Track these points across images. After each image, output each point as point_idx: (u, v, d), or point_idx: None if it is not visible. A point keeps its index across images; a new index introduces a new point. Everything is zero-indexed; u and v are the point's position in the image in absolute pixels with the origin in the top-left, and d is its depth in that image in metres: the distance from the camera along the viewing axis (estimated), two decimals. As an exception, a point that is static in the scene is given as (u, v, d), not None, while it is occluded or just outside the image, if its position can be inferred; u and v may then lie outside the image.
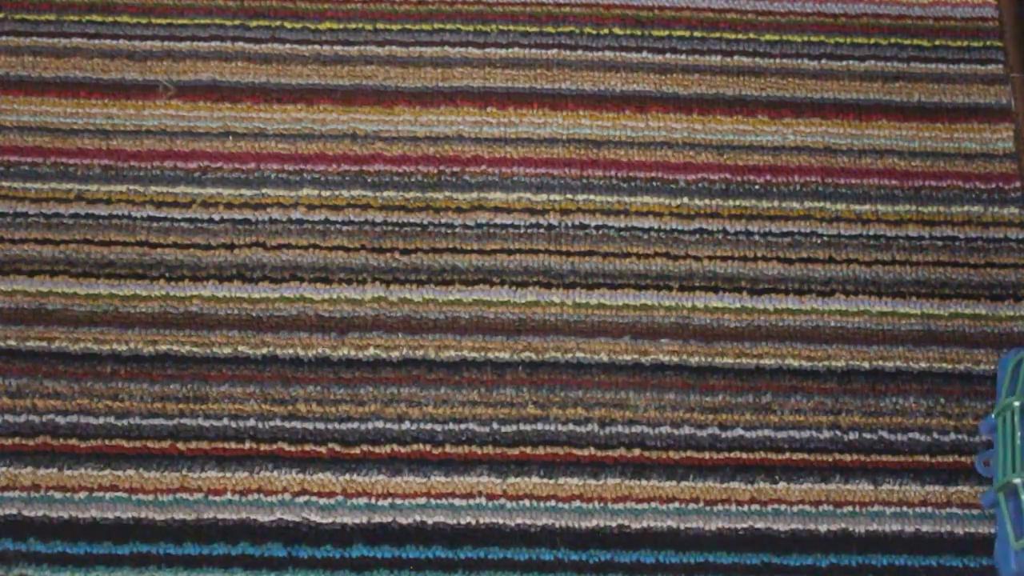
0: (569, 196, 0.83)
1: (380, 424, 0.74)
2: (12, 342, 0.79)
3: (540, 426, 0.75)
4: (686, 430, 0.75)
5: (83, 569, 0.73)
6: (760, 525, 0.72)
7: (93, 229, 0.82)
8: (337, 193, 0.80)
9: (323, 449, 0.74)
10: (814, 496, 0.73)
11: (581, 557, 0.70)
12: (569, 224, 0.83)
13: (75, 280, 0.80)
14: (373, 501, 0.73)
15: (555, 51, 0.86)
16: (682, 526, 0.71)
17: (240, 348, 0.77)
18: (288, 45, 0.87)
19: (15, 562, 0.73)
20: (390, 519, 0.72)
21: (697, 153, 0.85)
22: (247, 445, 0.75)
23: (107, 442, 0.75)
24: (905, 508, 0.72)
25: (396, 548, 0.72)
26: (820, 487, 0.73)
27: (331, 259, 0.81)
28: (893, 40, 0.89)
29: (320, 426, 0.75)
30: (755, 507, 0.72)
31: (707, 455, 0.74)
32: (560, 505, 0.72)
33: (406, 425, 0.74)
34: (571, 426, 0.75)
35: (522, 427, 0.75)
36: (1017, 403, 0.67)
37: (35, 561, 0.73)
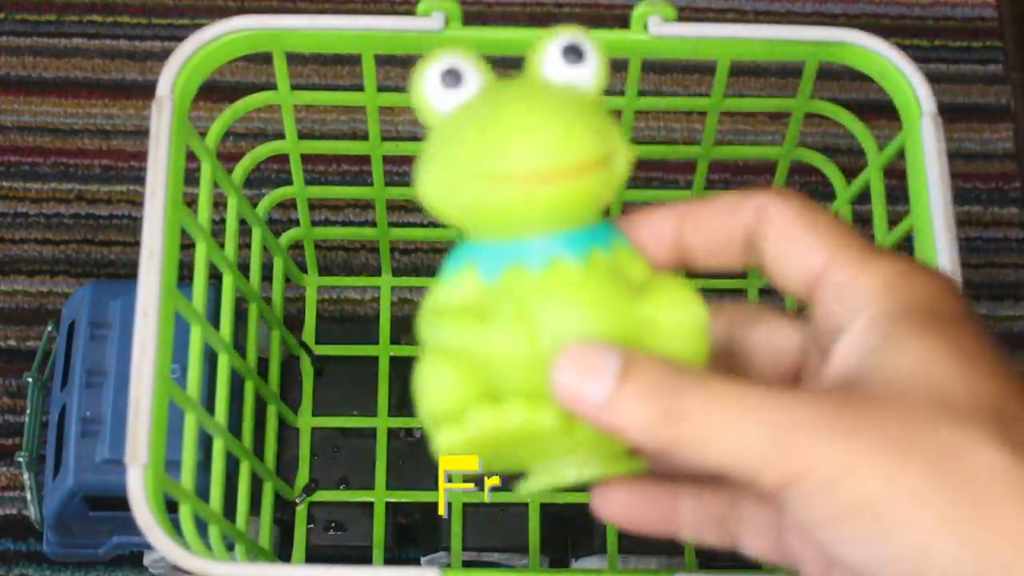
0: (569, 196, 0.83)
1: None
2: (12, 342, 0.79)
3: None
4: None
5: (83, 569, 0.73)
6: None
7: (93, 229, 0.82)
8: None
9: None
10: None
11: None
12: (569, 224, 0.83)
13: (75, 280, 0.80)
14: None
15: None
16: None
17: (241, 348, 0.77)
18: (288, 45, 0.86)
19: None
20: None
21: (697, 153, 0.84)
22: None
23: (107, 442, 0.75)
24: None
25: None
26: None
27: (331, 258, 0.81)
28: (892, 40, 0.87)
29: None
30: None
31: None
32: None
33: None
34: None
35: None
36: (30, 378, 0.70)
37: (35, 561, 0.73)
